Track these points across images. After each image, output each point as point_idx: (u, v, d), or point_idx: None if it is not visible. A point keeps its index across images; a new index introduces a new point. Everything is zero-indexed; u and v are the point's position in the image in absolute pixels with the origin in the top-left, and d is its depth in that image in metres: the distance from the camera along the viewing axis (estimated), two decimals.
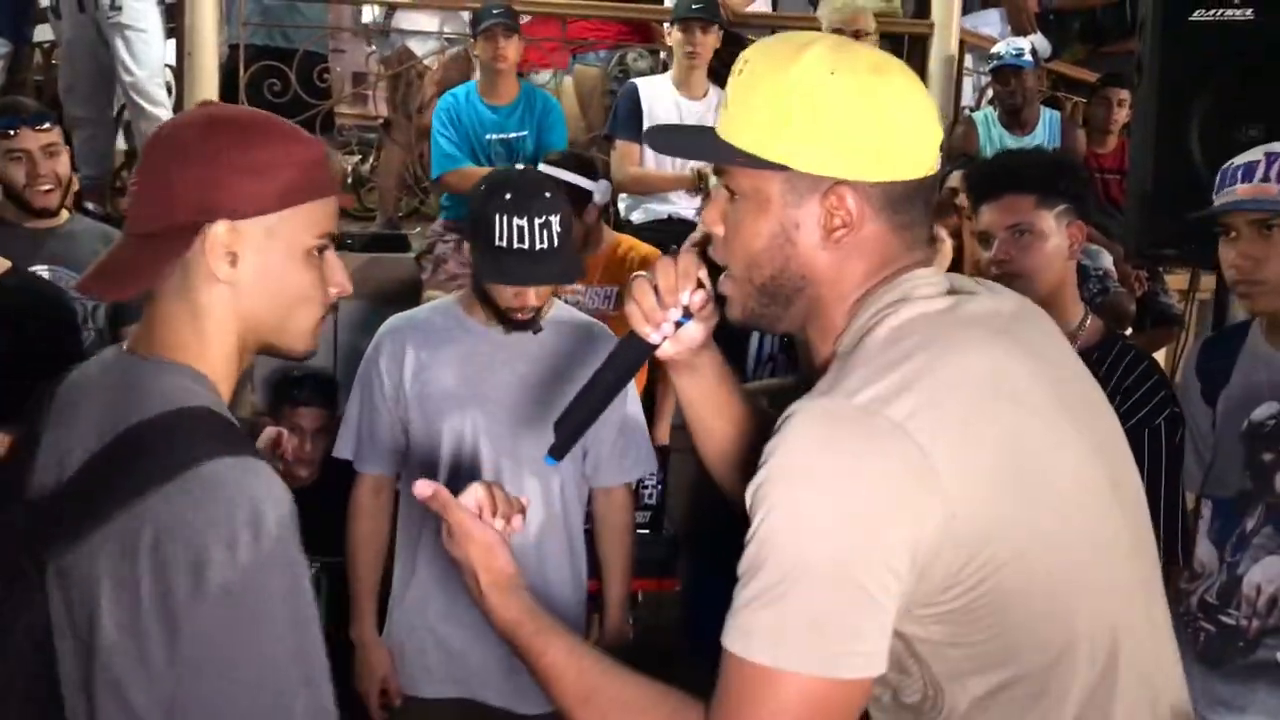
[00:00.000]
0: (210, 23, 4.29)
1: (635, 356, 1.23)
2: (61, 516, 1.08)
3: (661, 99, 4.00)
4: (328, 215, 1.20)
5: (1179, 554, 2.00)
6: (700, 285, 1.18)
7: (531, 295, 2.14)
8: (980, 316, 1.09)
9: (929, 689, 1.07)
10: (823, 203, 1.07)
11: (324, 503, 2.82)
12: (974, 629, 1.02)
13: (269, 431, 3.04)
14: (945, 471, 0.97)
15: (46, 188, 2.76)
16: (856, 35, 3.85)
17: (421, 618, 2.25)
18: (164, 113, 4.09)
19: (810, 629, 0.97)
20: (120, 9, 4.03)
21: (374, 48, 4.75)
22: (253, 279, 1.16)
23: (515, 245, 2.07)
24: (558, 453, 1.24)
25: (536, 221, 2.08)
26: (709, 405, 1.31)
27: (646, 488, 2.89)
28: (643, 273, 1.20)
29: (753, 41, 5.16)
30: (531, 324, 2.19)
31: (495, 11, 3.93)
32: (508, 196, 2.11)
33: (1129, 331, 3.54)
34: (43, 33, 4.84)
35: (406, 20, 4.77)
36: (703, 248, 1.20)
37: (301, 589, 1.07)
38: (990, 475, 1.00)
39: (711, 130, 1.14)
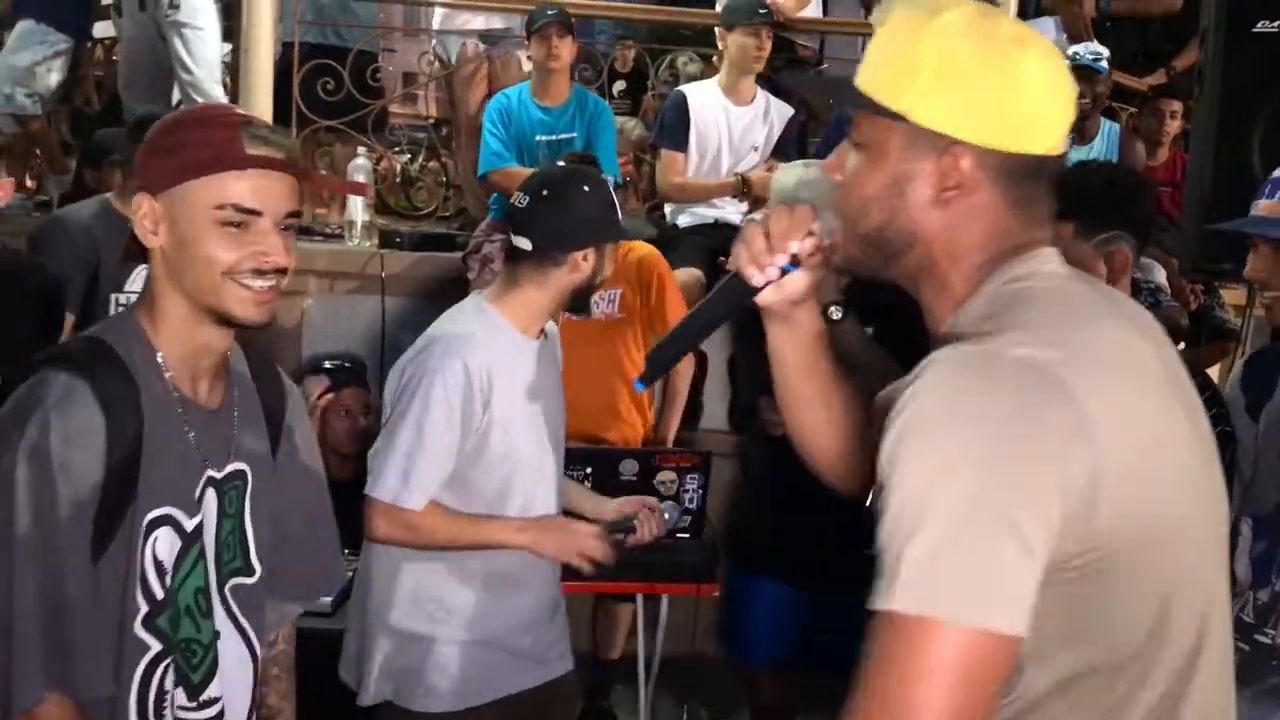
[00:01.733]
0: (267, 20, 4.34)
1: (736, 297, 1.24)
2: None
3: (710, 107, 3.99)
4: (237, 189, 1.34)
5: None
6: (810, 235, 1.19)
7: None
8: (1104, 294, 1.12)
9: None
10: (938, 161, 1.07)
11: (351, 511, 2.84)
12: (1079, 599, 0.98)
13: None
14: (1100, 428, 0.95)
15: None
16: None
17: (483, 629, 2.20)
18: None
19: (967, 578, 0.92)
20: (178, 7, 4.11)
21: (426, 49, 4.78)
22: (172, 245, 1.37)
23: (619, 213, 2.28)
24: (648, 380, 1.31)
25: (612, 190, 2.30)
26: (800, 365, 1.29)
27: (688, 492, 2.88)
28: (755, 215, 1.23)
29: (803, 47, 5.14)
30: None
31: (549, 12, 3.94)
32: (602, 177, 2.33)
33: (1181, 346, 3.48)
34: (103, 29, 4.94)
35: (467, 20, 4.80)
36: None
37: (45, 482, 1.27)
38: (1133, 443, 0.98)
39: (840, 79, 1.16)
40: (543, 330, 2.25)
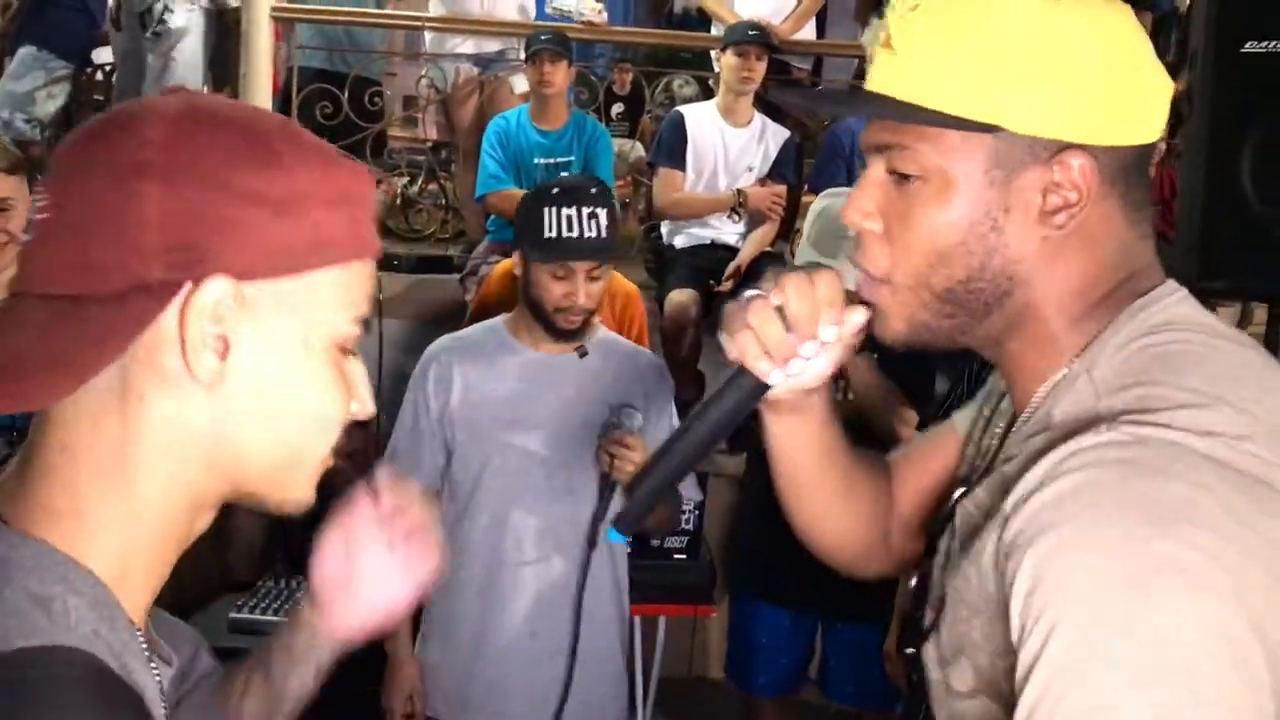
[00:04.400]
0: (265, 45, 4.38)
1: (748, 399, 0.93)
2: None
3: (707, 127, 4.02)
4: (367, 288, 0.77)
5: None
6: (845, 316, 0.90)
7: (581, 294, 2.12)
8: (1256, 347, 0.85)
9: None
10: (1043, 174, 0.82)
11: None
12: None
13: None
14: None
15: None
16: None
17: (459, 645, 2.23)
18: None
19: None
20: (159, 35, 4.16)
21: (425, 71, 4.82)
22: (246, 384, 0.71)
23: (564, 234, 2.09)
24: (629, 526, 0.96)
25: (584, 211, 2.11)
26: (816, 457, 1.04)
27: (684, 513, 2.89)
28: (757, 291, 0.92)
29: (798, 69, 5.17)
30: (579, 334, 2.18)
31: (543, 37, 3.99)
32: (554, 191, 2.19)
33: None
34: (103, 55, 4.98)
35: (464, 44, 4.83)
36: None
37: None
38: None
39: (868, 93, 0.86)
40: (579, 348, 2.20)
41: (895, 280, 0.87)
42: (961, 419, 1.09)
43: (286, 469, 0.75)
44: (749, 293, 0.92)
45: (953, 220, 0.83)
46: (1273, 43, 2.32)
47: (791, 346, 0.90)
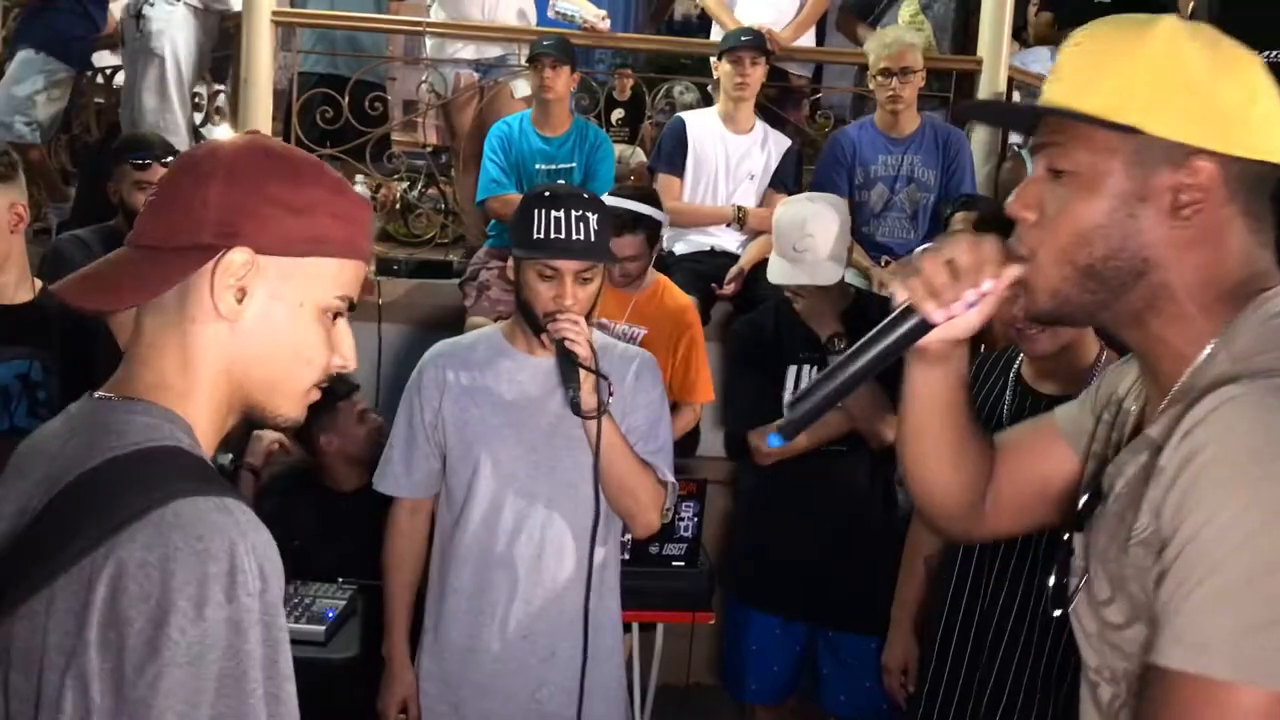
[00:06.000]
0: (266, 51, 4.38)
1: (909, 335, 1.13)
2: (6, 579, 0.96)
3: (708, 133, 4.02)
4: (355, 279, 1.12)
5: None
6: (1000, 274, 1.09)
7: (569, 297, 2.10)
8: None
9: None
10: (1175, 174, 1.00)
11: (362, 526, 2.85)
12: None
13: (264, 437, 2.98)
14: None
15: None
16: (904, 72, 3.85)
17: (452, 650, 2.23)
18: (179, 142, 4.13)
19: None
20: (146, 33, 4.17)
21: (425, 76, 4.81)
22: (255, 322, 1.07)
23: (552, 235, 2.09)
24: (790, 432, 1.13)
25: (573, 214, 2.09)
26: (943, 413, 1.22)
27: (683, 520, 2.88)
28: (931, 245, 1.13)
29: (797, 76, 5.14)
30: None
31: (545, 43, 3.98)
32: (546, 194, 2.17)
33: None
34: (102, 59, 4.97)
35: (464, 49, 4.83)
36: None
37: (280, 654, 0.94)
38: None
39: (1033, 106, 1.08)
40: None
41: (1039, 258, 1.06)
42: (1065, 420, 1.25)
43: (276, 385, 1.10)
44: (921, 248, 1.09)
45: (1096, 206, 1.02)
46: (1273, 53, 2.32)
47: (956, 292, 1.10)
